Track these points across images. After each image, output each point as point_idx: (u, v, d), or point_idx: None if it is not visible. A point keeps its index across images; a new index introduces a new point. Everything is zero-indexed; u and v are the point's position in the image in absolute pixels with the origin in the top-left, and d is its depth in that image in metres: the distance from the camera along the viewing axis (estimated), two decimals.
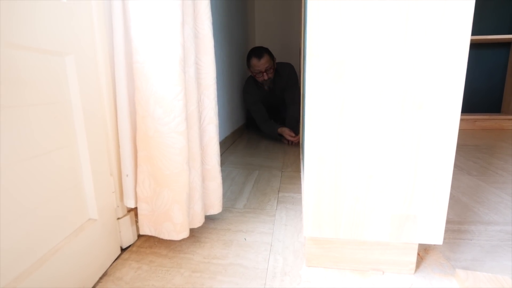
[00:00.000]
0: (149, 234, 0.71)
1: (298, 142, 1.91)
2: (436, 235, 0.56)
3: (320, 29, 0.51)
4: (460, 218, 0.86)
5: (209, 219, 0.87)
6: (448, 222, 0.83)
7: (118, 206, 0.69)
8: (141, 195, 0.68)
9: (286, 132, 1.95)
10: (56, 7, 0.50)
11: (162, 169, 0.65)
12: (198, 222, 0.74)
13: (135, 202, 0.69)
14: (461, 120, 2.47)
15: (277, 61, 2.24)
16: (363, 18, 0.50)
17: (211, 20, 0.70)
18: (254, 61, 1.91)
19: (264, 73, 1.96)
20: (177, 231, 0.67)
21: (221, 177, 0.80)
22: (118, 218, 0.69)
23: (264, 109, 2.16)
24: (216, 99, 0.75)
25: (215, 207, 0.81)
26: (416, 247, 0.60)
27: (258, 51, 1.93)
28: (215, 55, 1.73)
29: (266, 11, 3.11)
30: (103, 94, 0.63)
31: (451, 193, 1.04)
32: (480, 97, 2.67)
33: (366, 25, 0.50)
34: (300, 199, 1.03)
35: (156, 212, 0.68)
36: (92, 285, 0.59)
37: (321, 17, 0.51)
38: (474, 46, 2.59)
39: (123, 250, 0.72)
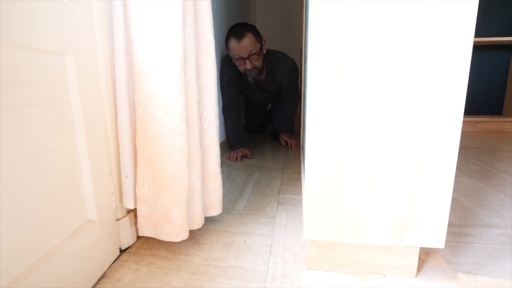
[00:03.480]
0: (148, 235, 0.70)
1: (298, 145, 1.82)
2: (437, 239, 0.56)
3: (321, 30, 0.51)
4: (462, 221, 0.85)
5: (209, 220, 0.87)
6: (449, 225, 0.82)
7: (117, 207, 0.68)
8: (141, 196, 0.68)
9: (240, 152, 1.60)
10: (57, 6, 0.50)
11: (161, 170, 0.64)
12: (198, 223, 0.73)
13: (134, 203, 0.69)
14: (463, 122, 2.46)
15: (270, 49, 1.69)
16: (365, 19, 0.49)
17: (212, 21, 0.70)
18: (232, 43, 1.39)
19: (247, 60, 1.42)
20: (177, 233, 0.67)
21: (221, 179, 0.80)
22: (117, 219, 0.69)
23: (237, 103, 1.69)
24: (216, 100, 0.74)
25: (215, 209, 0.80)
26: (418, 250, 0.59)
27: (239, 30, 1.38)
28: (216, 56, 1.73)
29: (267, 12, 3.11)
30: (103, 95, 0.63)
31: (452, 196, 1.04)
32: (482, 99, 2.67)
33: (368, 26, 0.49)
34: (301, 200, 1.03)
35: (155, 213, 0.68)
36: (90, 286, 0.59)
37: (323, 18, 0.50)
38: (476, 48, 2.58)
39: (122, 251, 0.71)
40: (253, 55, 1.42)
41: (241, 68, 1.49)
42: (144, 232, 0.70)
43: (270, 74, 1.62)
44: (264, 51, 1.52)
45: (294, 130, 2.32)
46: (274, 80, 1.64)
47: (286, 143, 1.81)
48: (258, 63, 1.47)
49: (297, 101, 1.77)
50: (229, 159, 1.58)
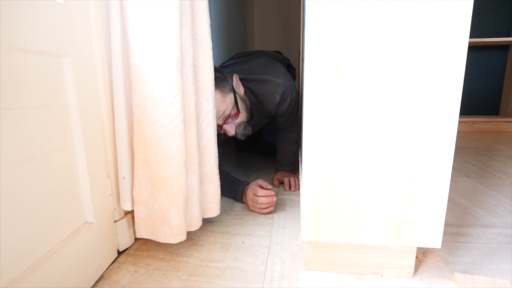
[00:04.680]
0: (146, 237, 0.70)
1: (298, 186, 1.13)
2: (434, 239, 0.56)
3: (318, 31, 0.51)
4: (459, 221, 0.85)
5: (207, 221, 0.87)
6: (446, 225, 0.83)
7: (115, 209, 0.68)
8: (138, 198, 0.68)
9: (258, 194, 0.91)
10: (54, 8, 0.50)
11: (159, 172, 0.64)
12: (196, 225, 0.73)
13: (131, 205, 0.69)
14: (460, 122, 2.48)
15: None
16: (361, 20, 0.50)
17: (209, 22, 0.69)
18: None
19: (225, 126, 0.94)
20: (174, 235, 0.67)
21: (219, 180, 0.80)
22: (115, 221, 0.68)
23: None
24: (214, 101, 0.74)
25: (213, 210, 0.80)
26: (415, 250, 0.59)
27: None
28: (214, 57, 1.72)
29: (265, 13, 3.12)
30: (100, 96, 0.63)
31: (449, 196, 1.04)
32: (479, 99, 2.68)
33: (365, 27, 0.50)
34: (299, 201, 1.03)
35: (152, 215, 0.68)
36: None
37: (320, 19, 0.51)
38: (473, 49, 2.60)
39: (120, 253, 0.71)
40: (228, 116, 0.92)
41: (224, 134, 1.00)
42: (142, 234, 0.70)
43: (257, 109, 1.10)
44: (241, 91, 0.99)
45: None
46: (264, 111, 1.11)
47: (282, 183, 1.19)
48: (242, 118, 0.98)
49: (297, 128, 1.20)
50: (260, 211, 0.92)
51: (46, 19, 0.48)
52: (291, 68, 1.49)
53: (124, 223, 0.71)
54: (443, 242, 0.74)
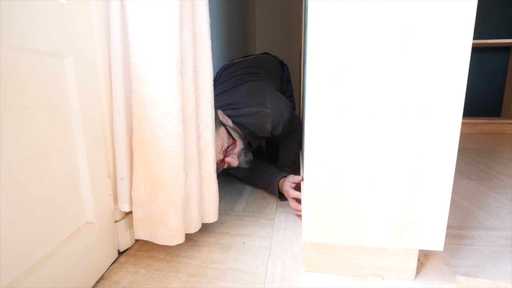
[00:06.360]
0: (144, 239, 0.69)
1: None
2: (436, 241, 0.56)
3: (320, 32, 0.51)
4: (461, 223, 0.85)
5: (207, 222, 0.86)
6: (448, 227, 0.82)
7: (115, 209, 0.68)
8: (136, 199, 0.67)
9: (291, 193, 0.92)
10: (55, 8, 0.50)
11: (157, 173, 0.64)
12: (195, 227, 0.72)
13: (129, 206, 0.68)
14: (461, 124, 2.47)
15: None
16: (364, 21, 0.49)
17: (209, 21, 0.69)
18: None
19: (227, 159, 0.97)
20: (172, 237, 0.66)
21: (217, 185, 0.77)
22: (116, 221, 0.68)
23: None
24: (212, 102, 0.73)
25: (211, 216, 0.77)
26: (417, 253, 0.59)
27: None
28: (215, 57, 1.73)
29: (266, 14, 3.12)
30: (101, 97, 0.63)
31: (451, 198, 1.04)
32: (480, 101, 2.68)
33: (367, 28, 0.49)
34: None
35: (151, 216, 0.67)
36: None
37: (322, 20, 0.50)
38: (475, 50, 2.59)
39: (120, 253, 0.71)
40: (227, 148, 0.94)
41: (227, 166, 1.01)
42: (140, 235, 0.69)
43: (252, 136, 1.12)
44: (229, 123, 1.02)
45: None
46: (261, 137, 1.15)
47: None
48: (239, 146, 0.99)
49: (299, 129, 1.19)
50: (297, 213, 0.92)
51: (48, 19, 0.48)
52: (283, 65, 1.52)
53: (124, 223, 0.70)
54: (445, 244, 0.73)
